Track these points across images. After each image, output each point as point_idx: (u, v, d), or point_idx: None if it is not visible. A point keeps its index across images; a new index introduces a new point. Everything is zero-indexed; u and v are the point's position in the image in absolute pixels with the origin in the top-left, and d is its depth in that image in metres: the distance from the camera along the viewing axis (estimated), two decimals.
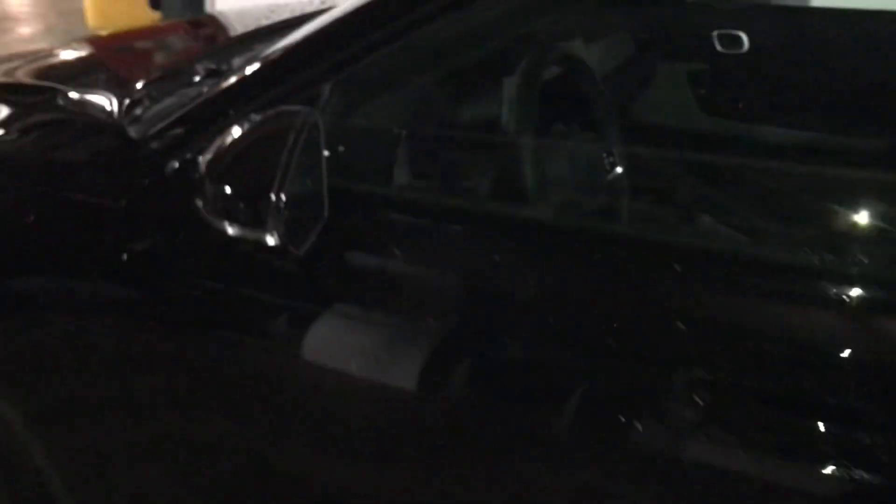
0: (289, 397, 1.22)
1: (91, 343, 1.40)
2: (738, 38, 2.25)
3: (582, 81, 1.57)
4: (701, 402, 0.89)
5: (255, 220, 1.05)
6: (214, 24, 2.50)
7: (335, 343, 1.15)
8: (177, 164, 1.24)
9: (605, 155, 1.53)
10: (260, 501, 1.34)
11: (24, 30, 6.92)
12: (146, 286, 1.29)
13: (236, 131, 1.08)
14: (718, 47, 2.26)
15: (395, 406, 1.13)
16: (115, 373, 1.41)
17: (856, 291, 0.90)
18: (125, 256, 1.26)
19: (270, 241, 1.03)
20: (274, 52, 1.27)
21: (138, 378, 1.38)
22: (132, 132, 1.38)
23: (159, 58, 2.08)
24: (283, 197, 1.01)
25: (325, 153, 1.10)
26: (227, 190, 1.05)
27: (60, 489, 1.50)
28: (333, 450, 1.21)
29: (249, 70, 1.25)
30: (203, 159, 1.09)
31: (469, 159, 1.36)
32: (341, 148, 1.21)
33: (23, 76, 1.82)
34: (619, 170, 1.53)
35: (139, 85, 1.57)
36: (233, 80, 1.26)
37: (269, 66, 1.23)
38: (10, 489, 1.61)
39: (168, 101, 1.45)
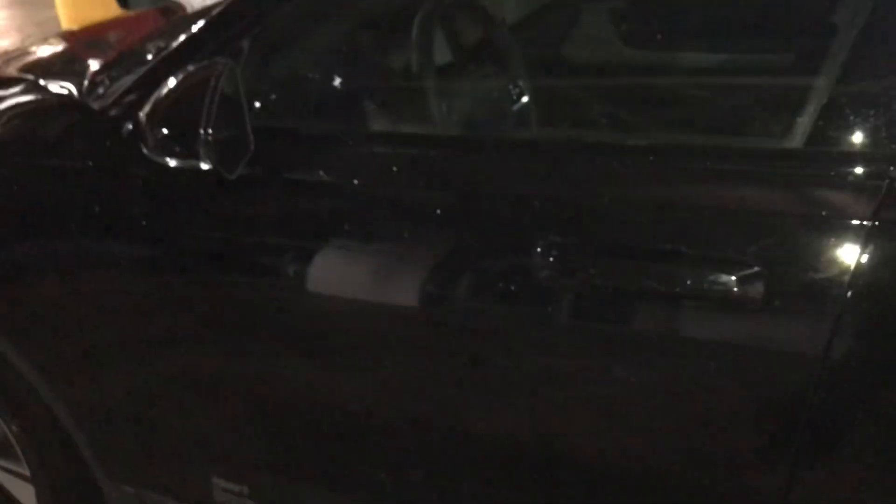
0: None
1: (83, 293, 1.63)
2: None
3: (483, 23, 1.79)
4: (551, 259, 1.12)
5: (190, 153, 1.27)
6: (176, 10, 2.73)
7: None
8: (130, 125, 1.46)
9: (511, 86, 1.75)
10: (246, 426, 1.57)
11: (2, 43, 7.11)
12: (118, 235, 1.52)
13: (171, 82, 1.30)
14: None
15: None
16: (105, 318, 1.63)
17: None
18: (97, 209, 1.49)
19: (204, 166, 1.26)
20: (206, 20, 1.49)
21: (128, 321, 1.61)
22: (95, 106, 1.60)
23: (119, 43, 2.30)
24: (209, 131, 1.23)
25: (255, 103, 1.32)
26: (165, 131, 1.28)
27: (69, 421, 1.74)
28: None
29: (185, 37, 1.47)
30: (143, 111, 1.31)
31: (383, 98, 1.59)
32: (272, 95, 1.44)
33: (7, 70, 2.06)
34: (524, 98, 1.75)
35: (99, 67, 1.79)
36: (172, 47, 1.48)
37: (201, 30, 1.45)
38: (22, 423, 1.84)
39: (125, 78, 1.67)
